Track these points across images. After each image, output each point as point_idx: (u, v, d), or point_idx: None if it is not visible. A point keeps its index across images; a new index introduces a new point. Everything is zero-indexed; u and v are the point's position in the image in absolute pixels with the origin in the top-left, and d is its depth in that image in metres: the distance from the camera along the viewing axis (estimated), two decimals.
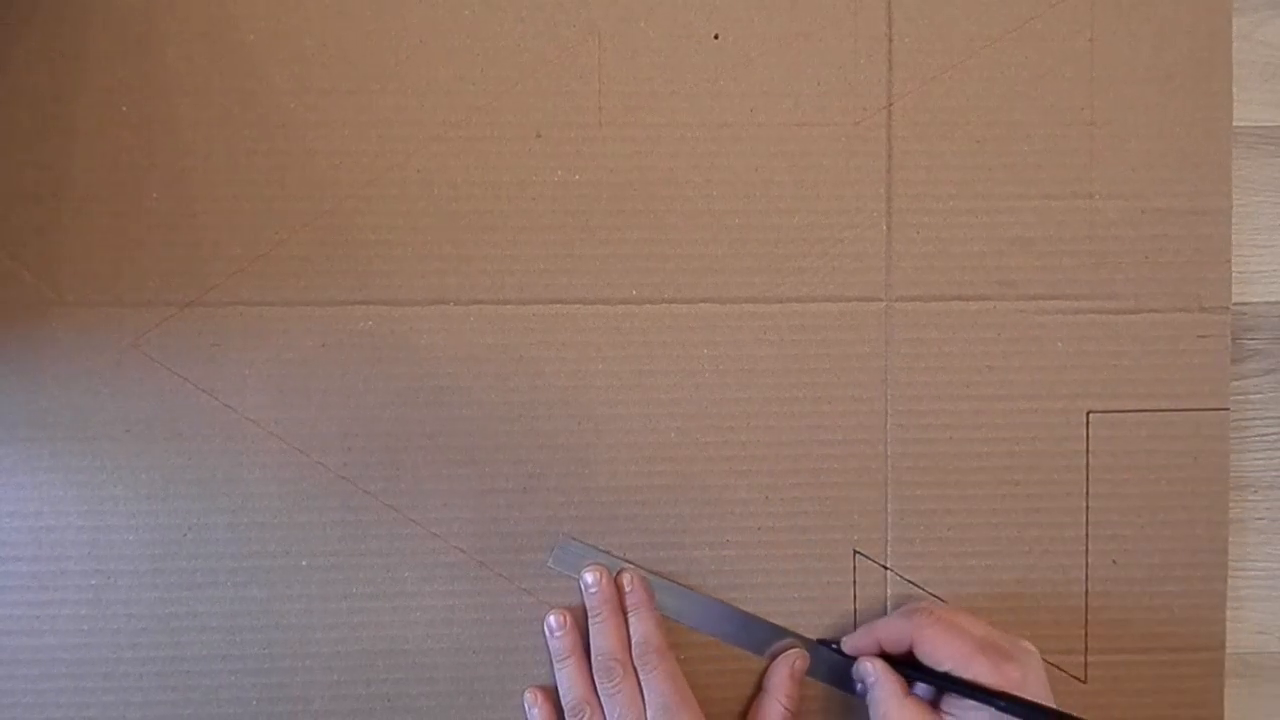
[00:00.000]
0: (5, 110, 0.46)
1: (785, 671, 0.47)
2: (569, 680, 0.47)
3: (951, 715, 0.43)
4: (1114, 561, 0.50)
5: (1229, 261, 0.50)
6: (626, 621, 0.47)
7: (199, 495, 0.47)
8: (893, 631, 0.45)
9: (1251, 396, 0.51)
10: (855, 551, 0.50)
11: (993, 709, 0.41)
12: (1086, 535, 0.50)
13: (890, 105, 0.49)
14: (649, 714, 0.45)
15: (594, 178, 0.48)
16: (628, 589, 0.47)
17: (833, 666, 0.49)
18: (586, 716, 0.45)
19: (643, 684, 0.45)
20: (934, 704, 0.44)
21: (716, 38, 0.49)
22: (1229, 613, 0.51)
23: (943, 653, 0.43)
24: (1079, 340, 0.50)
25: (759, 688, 0.49)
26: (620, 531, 0.49)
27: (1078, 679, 0.50)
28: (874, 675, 0.45)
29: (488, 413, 0.48)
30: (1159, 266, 0.50)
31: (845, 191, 0.49)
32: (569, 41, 0.48)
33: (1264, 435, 0.52)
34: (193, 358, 0.47)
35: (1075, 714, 0.41)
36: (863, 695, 0.46)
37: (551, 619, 0.48)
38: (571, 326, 0.48)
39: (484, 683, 0.48)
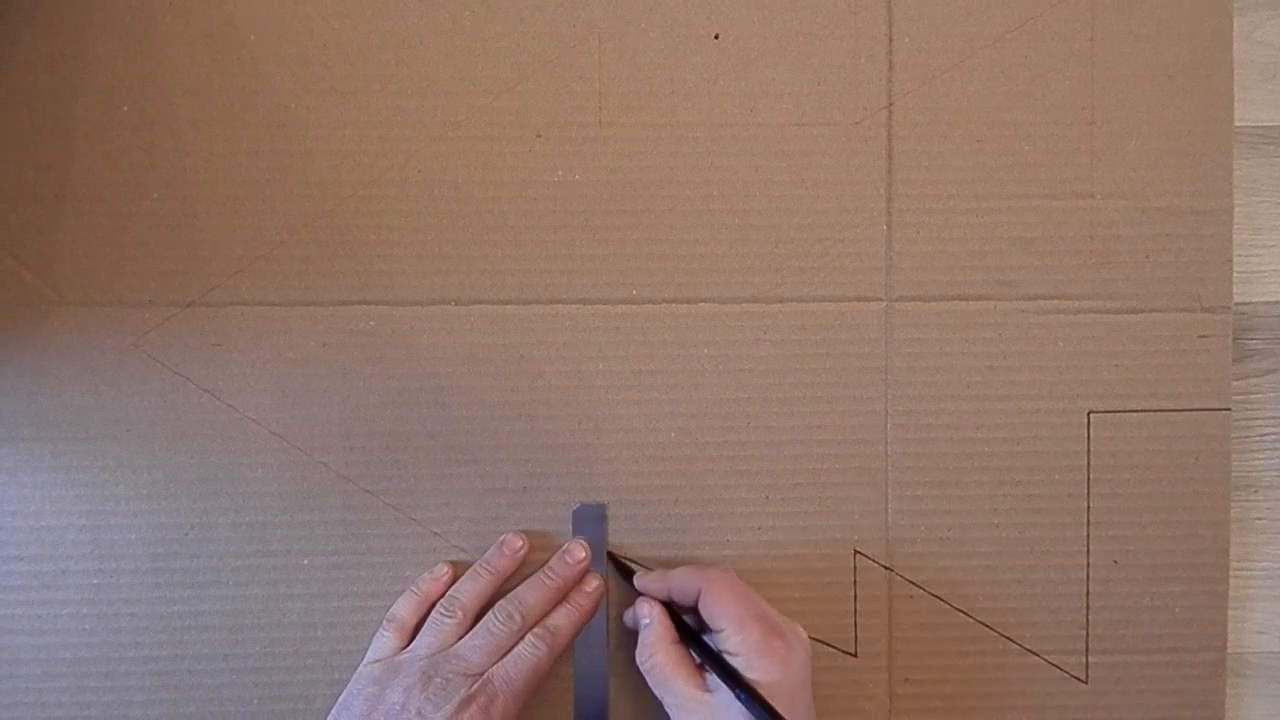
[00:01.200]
0: (5, 110, 0.46)
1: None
2: (473, 586, 0.46)
3: (710, 680, 0.43)
4: (1115, 561, 0.50)
5: (1230, 261, 0.50)
6: (562, 601, 0.47)
7: (200, 494, 0.48)
8: (684, 582, 0.45)
9: (1252, 396, 0.51)
10: (855, 551, 0.50)
11: (738, 697, 0.41)
12: (1087, 535, 0.50)
13: (890, 105, 0.49)
14: (496, 668, 0.44)
15: (594, 178, 0.48)
16: (588, 589, 0.47)
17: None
18: (456, 619, 0.45)
19: (514, 650, 0.45)
20: (700, 666, 0.44)
21: (716, 38, 0.49)
22: (1230, 613, 0.50)
23: (723, 609, 0.43)
24: (1079, 340, 0.50)
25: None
26: (620, 531, 0.49)
27: (1079, 679, 0.50)
28: (649, 618, 0.46)
29: (488, 413, 0.48)
30: (1160, 266, 0.50)
31: (845, 191, 0.49)
32: (569, 41, 0.48)
33: (1265, 435, 0.51)
34: (194, 357, 0.47)
35: None
36: (632, 625, 0.47)
37: (515, 535, 0.47)
38: (571, 326, 0.49)
39: None
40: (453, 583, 0.47)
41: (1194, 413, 0.50)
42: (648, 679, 0.45)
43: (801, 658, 0.43)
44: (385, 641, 0.46)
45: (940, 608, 0.50)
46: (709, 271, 0.49)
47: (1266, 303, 0.51)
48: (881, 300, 0.49)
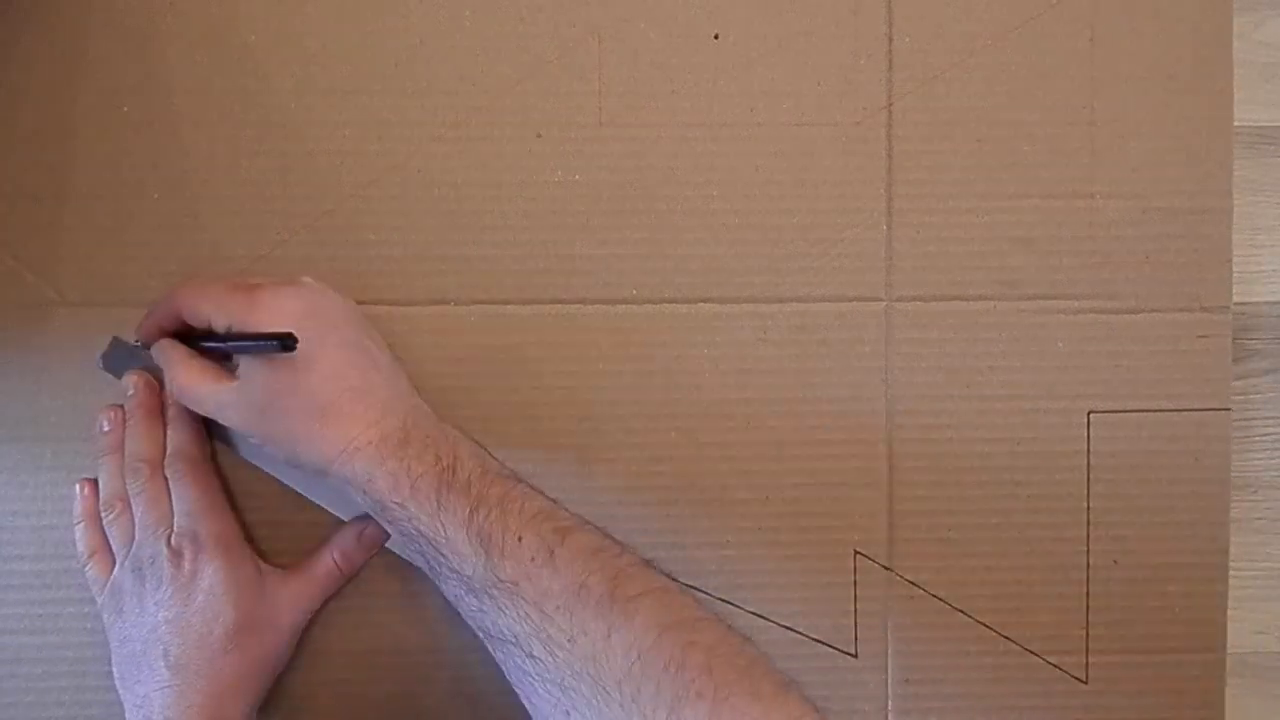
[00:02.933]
0: (5, 110, 0.46)
1: (353, 533, 0.47)
2: (105, 477, 0.46)
3: (237, 365, 0.43)
4: (1115, 561, 0.50)
5: (1229, 261, 0.50)
6: (165, 428, 0.46)
7: None
8: (163, 309, 0.44)
9: (1252, 396, 0.51)
10: (856, 552, 0.50)
11: (234, 348, 0.41)
12: (1087, 535, 0.50)
13: (890, 105, 0.49)
14: (175, 519, 0.44)
15: (594, 178, 0.48)
16: (167, 402, 0.46)
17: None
18: (116, 513, 0.45)
19: (171, 490, 0.45)
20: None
21: (716, 38, 0.49)
22: (1230, 613, 0.50)
23: (201, 304, 0.42)
24: (1080, 340, 0.50)
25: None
26: (620, 532, 0.48)
27: (1078, 679, 0.50)
28: (161, 350, 0.44)
29: (488, 413, 0.48)
30: (1159, 266, 0.50)
31: (845, 191, 0.49)
32: (569, 41, 0.48)
33: (1265, 435, 0.51)
34: None
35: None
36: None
37: (102, 416, 0.47)
38: (571, 326, 0.48)
39: (484, 683, 0.48)
40: (95, 494, 0.46)
41: (1194, 413, 0.50)
42: (189, 407, 0.43)
43: (310, 297, 0.42)
44: (93, 576, 0.46)
45: (940, 608, 0.50)
46: (709, 271, 0.49)
47: (1266, 303, 0.51)
48: (881, 300, 0.49)
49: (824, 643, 0.49)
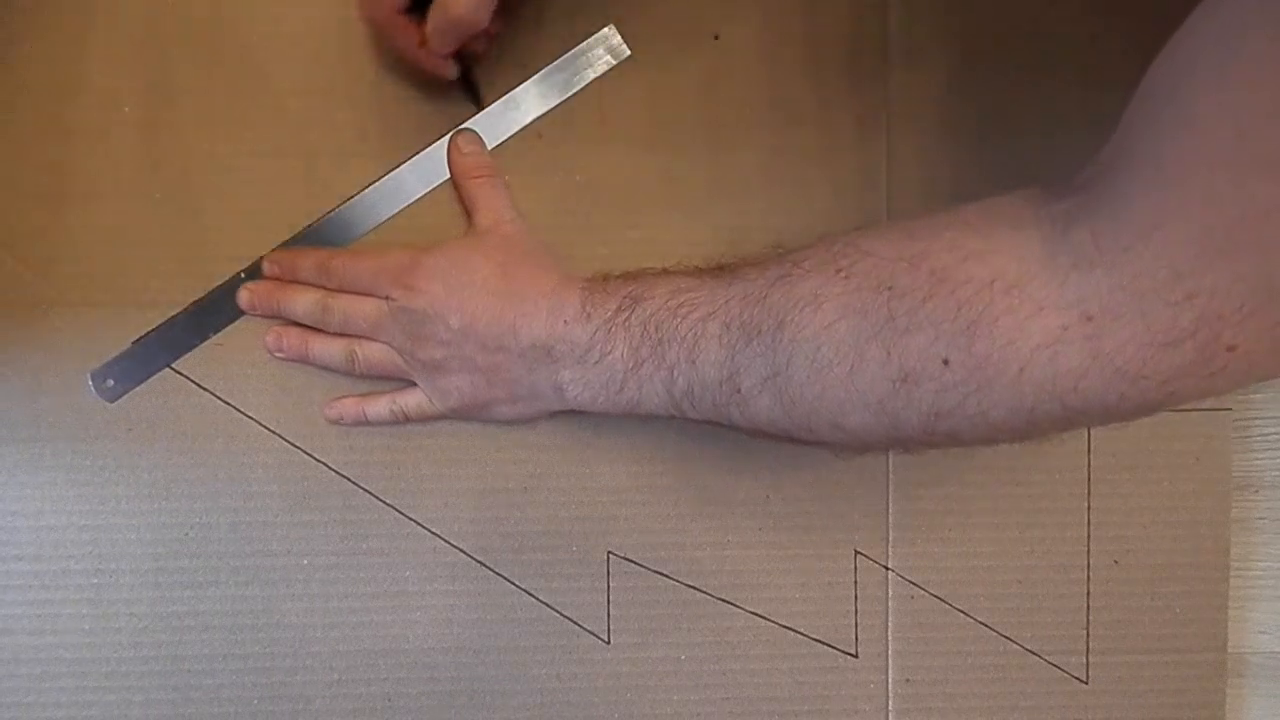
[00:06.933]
0: (6, 110, 0.46)
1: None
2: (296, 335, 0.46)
3: None
4: (1116, 562, 0.50)
5: None
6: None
7: (200, 494, 0.48)
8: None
9: (1253, 396, 0.51)
10: (856, 552, 0.50)
11: None
12: (1088, 535, 0.50)
13: (890, 105, 0.49)
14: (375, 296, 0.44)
15: (594, 177, 0.48)
16: (279, 269, 0.46)
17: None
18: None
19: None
20: None
21: (717, 38, 0.49)
22: (1231, 613, 0.50)
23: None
24: None
25: None
26: (620, 532, 0.49)
27: (1079, 679, 0.50)
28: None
29: None
30: None
31: (845, 192, 0.49)
32: (570, 41, 0.48)
33: (1266, 435, 0.51)
34: (194, 357, 0.47)
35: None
36: None
37: (269, 340, 0.46)
38: None
39: (484, 683, 0.48)
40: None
41: (1194, 413, 0.50)
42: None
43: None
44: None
45: (940, 608, 0.50)
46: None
47: None
48: None
49: (824, 643, 0.49)
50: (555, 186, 0.48)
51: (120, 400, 0.47)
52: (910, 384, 0.34)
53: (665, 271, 0.42)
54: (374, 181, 0.47)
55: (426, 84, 0.47)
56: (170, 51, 0.47)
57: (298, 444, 0.48)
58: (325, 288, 0.45)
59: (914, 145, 0.49)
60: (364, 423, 0.47)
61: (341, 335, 0.45)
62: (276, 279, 0.46)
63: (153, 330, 0.47)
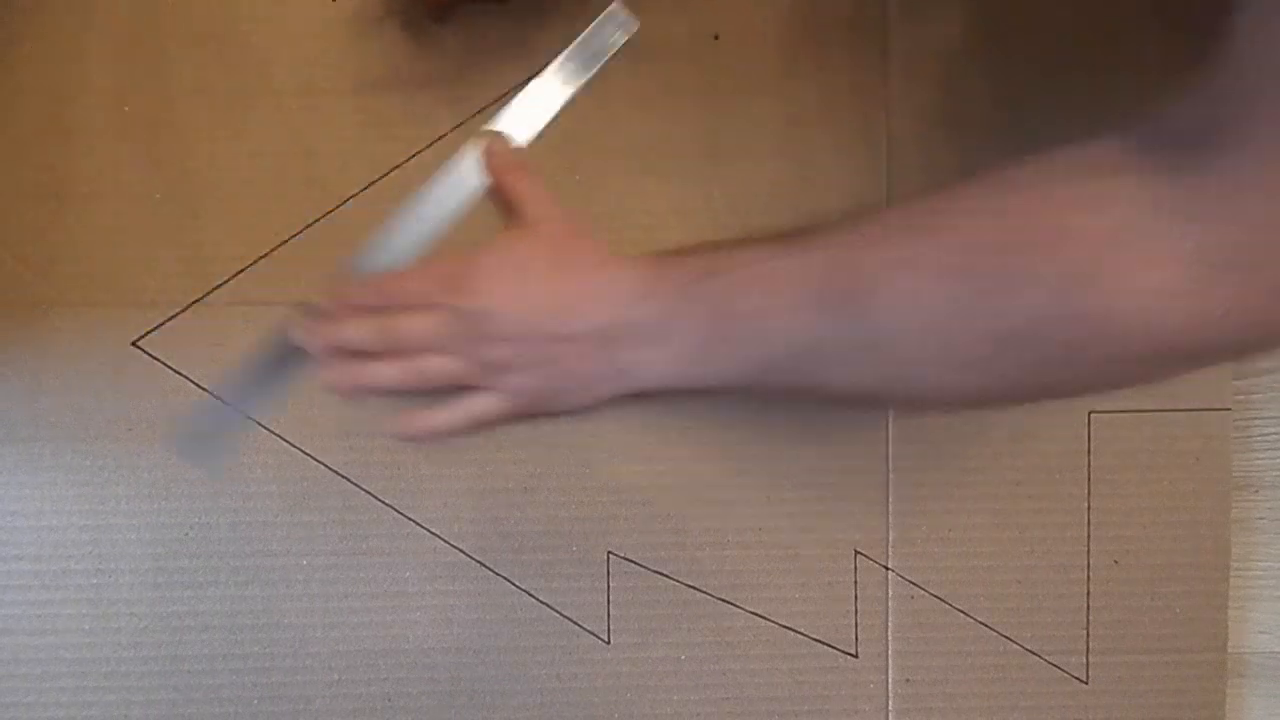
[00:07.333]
0: (6, 110, 0.46)
1: None
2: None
3: None
4: (1116, 562, 0.50)
5: None
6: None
7: (200, 495, 0.48)
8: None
9: (1253, 397, 0.51)
10: (856, 551, 0.50)
11: None
12: (1088, 535, 0.50)
13: (890, 105, 0.49)
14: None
15: (593, 177, 0.48)
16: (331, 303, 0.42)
17: None
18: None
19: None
20: None
21: (717, 38, 0.49)
22: (1231, 613, 0.50)
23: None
24: None
25: None
26: (620, 531, 0.49)
27: (1079, 679, 0.50)
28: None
29: None
30: None
31: (845, 191, 0.49)
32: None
33: (1266, 435, 0.51)
34: (194, 357, 0.47)
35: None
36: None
37: (330, 382, 0.41)
38: None
39: (484, 683, 0.48)
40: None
41: (1194, 413, 0.50)
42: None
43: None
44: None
45: (940, 608, 0.50)
46: None
47: None
48: None
49: (824, 643, 0.49)
50: (555, 186, 0.48)
51: (120, 401, 0.47)
52: (1017, 342, 0.34)
53: (727, 243, 0.41)
54: (408, 204, 0.46)
55: (426, 82, 0.47)
56: (170, 51, 0.47)
57: (297, 444, 0.48)
58: (378, 310, 0.44)
59: (914, 145, 0.49)
60: (441, 440, 0.44)
61: (399, 355, 0.44)
62: (327, 314, 0.45)
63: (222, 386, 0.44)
